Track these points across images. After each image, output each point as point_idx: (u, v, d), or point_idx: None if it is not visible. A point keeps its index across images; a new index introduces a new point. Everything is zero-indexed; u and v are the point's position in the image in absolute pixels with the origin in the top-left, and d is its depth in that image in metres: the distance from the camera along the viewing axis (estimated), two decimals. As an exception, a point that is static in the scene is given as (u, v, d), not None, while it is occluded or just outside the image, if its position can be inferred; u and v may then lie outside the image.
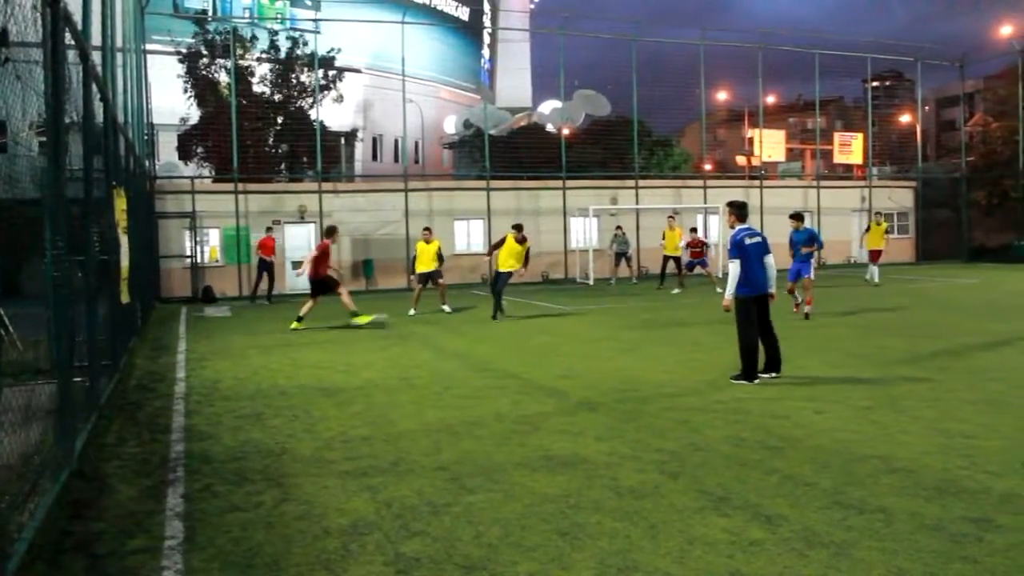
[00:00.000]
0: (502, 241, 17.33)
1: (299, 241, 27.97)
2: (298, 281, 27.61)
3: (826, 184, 36.93)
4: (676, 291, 23.30)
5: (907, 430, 7.11)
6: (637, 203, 31.35)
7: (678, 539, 4.75)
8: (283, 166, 31.94)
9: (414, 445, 7.02)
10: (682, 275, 24.05)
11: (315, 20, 33.68)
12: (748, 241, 9.54)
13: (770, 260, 9.57)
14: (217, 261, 26.94)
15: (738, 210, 10.02)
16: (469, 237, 30.23)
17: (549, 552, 4.61)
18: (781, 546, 4.61)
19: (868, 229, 25.50)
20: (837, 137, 40.34)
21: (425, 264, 19.00)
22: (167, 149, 32.47)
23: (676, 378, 10.00)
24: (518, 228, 17.33)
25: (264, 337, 15.43)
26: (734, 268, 9.59)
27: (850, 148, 38.88)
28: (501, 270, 17.37)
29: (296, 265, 27.74)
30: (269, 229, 24.85)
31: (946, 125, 66.73)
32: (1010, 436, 6.85)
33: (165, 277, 25.69)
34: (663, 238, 24.79)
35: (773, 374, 9.63)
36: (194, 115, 30.51)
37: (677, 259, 24.20)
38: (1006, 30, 39.25)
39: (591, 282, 27.92)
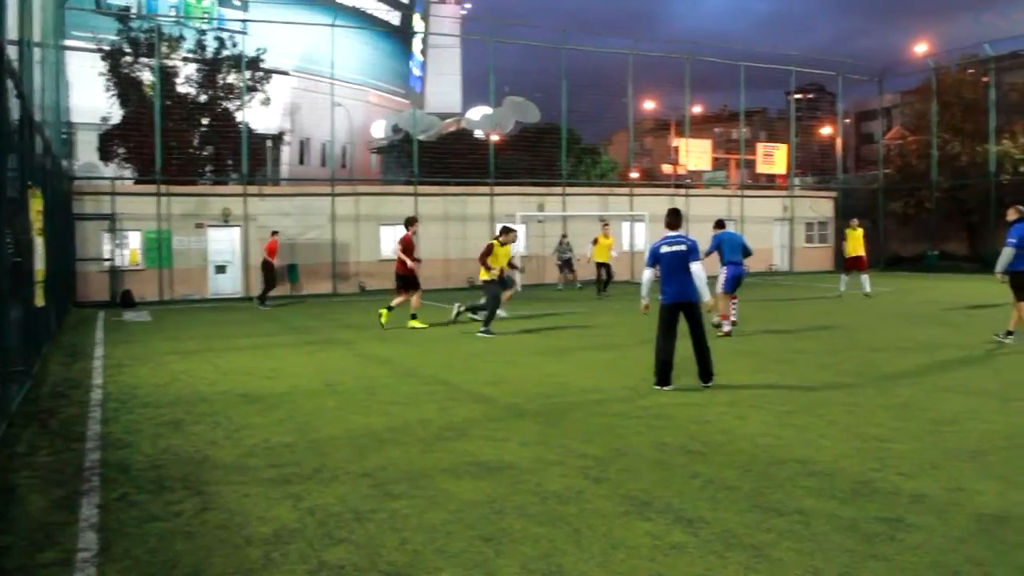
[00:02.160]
0: (490, 248, 15.96)
1: (223, 245, 27.49)
2: (220, 284, 27.22)
3: (750, 193, 37.75)
4: (599, 296, 23.70)
5: (825, 434, 7.30)
6: (564, 210, 31.60)
7: (602, 543, 4.80)
8: (208, 168, 31.35)
9: (338, 452, 6.96)
10: (603, 281, 24.49)
11: (243, 21, 33.22)
12: (664, 249, 9.61)
13: (695, 268, 9.45)
14: (138, 264, 26.30)
15: (667, 217, 10.06)
16: (396, 243, 30.04)
17: (473, 558, 4.61)
18: (702, 548, 4.69)
19: (845, 237, 23.10)
20: (761, 148, 41.23)
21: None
22: (87, 149, 31.60)
23: (602, 384, 10.09)
24: (506, 231, 16.31)
25: (186, 342, 15.12)
26: (645, 274, 9.87)
27: (773, 158, 39.77)
28: (492, 279, 15.95)
29: (220, 269, 27.31)
30: (275, 233, 24.33)
31: (865, 138, 68.71)
32: (921, 439, 7.08)
33: (82, 281, 24.98)
34: (594, 244, 25.07)
35: (702, 383, 9.63)
36: (116, 115, 29.74)
37: (607, 266, 24.53)
38: (921, 48, 40.65)
39: (519, 288, 28.00)
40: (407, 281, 16.82)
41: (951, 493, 5.61)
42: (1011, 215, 12.93)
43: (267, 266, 23.65)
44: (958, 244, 37.69)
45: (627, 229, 33.73)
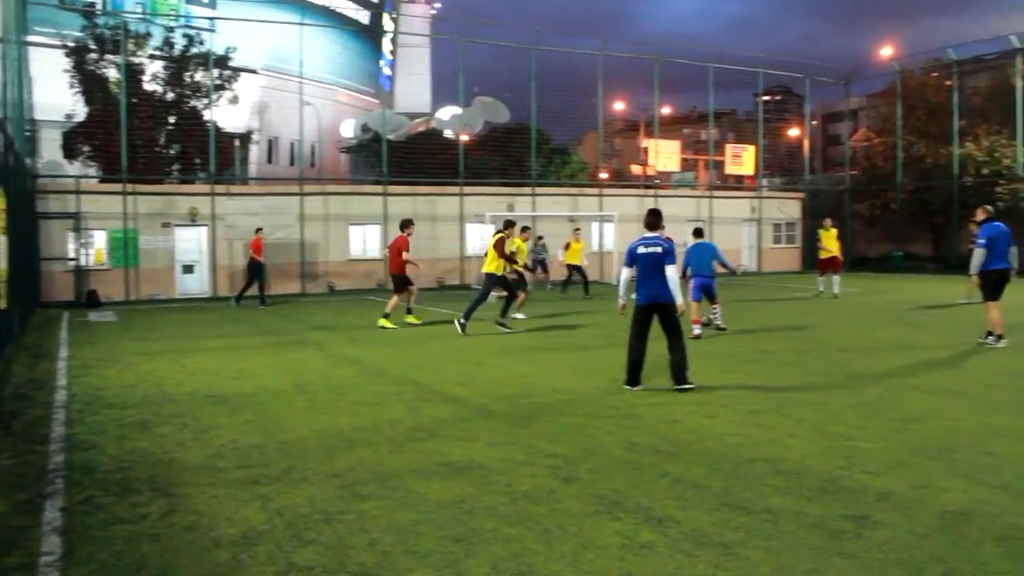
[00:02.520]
0: (502, 241, 16.03)
1: (190, 244, 27.25)
2: (188, 284, 26.98)
3: (718, 194, 38.04)
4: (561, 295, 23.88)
5: (792, 433, 7.36)
6: (534, 210, 31.63)
7: (572, 543, 4.80)
8: (175, 167, 31.03)
9: (307, 452, 6.92)
10: (572, 282, 24.66)
11: (211, 18, 32.86)
12: (641, 250, 9.55)
13: (670, 271, 9.37)
14: (103, 264, 26.00)
15: (646, 217, 9.98)
16: (365, 243, 29.98)
17: (444, 558, 4.60)
18: (671, 547, 4.71)
19: (818, 238, 22.74)
20: (729, 149, 41.56)
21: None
22: (51, 147, 31.17)
23: (571, 384, 10.11)
24: (523, 229, 16.35)
25: (152, 343, 14.96)
26: (623, 273, 9.88)
27: (742, 160, 40.10)
28: (496, 272, 16.05)
29: (187, 269, 27.06)
30: (259, 230, 23.94)
31: (832, 139, 69.42)
32: (887, 437, 7.16)
33: (46, 280, 24.65)
34: (566, 248, 25.13)
35: (675, 386, 9.48)
36: (81, 112, 29.35)
37: (579, 268, 24.62)
38: (887, 51, 41.16)
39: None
40: (403, 280, 17.12)
41: (916, 491, 5.68)
42: (979, 215, 13.02)
43: (254, 265, 23.16)
44: (923, 245, 38.21)
45: (596, 229, 33.84)
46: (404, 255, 16.90)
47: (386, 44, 62.45)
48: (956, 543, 4.72)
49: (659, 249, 9.48)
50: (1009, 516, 5.15)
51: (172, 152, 30.83)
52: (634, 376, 9.63)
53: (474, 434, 7.51)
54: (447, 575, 4.39)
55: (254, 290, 23.06)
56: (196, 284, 27.42)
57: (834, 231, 22.16)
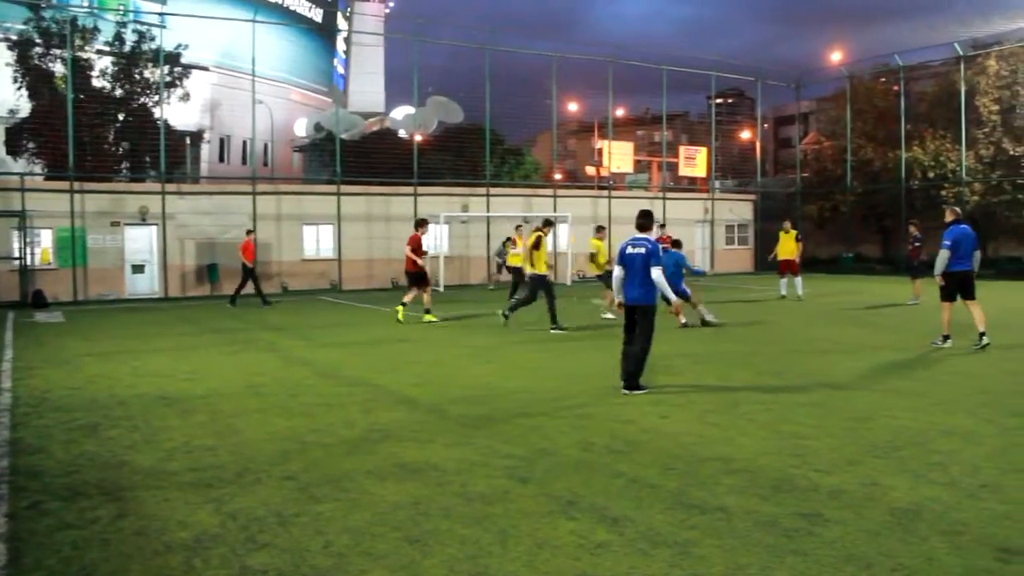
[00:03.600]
0: (538, 241, 15.87)
1: (140, 244, 26.84)
2: (138, 284, 26.56)
3: (672, 196, 38.37)
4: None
5: (745, 432, 7.45)
6: (488, 211, 31.63)
7: (527, 543, 4.81)
8: (124, 165, 30.52)
9: (260, 454, 6.85)
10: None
11: (161, 14, 32.38)
12: (629, 251, 9.55)
13: (655, 273, 9.32)
14: (50, 264, 25.49)
15: (637, 218, 9.97)
16: (319, 242, 29.76)
17: (399, 559, 4.58)
18: (627, 547, 4.74)
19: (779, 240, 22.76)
20: (683, 151, 41.96)
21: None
22: (-8, 144, 30.53)
23: (527, 384, 10.13)
24: (549, 223, 16.42)
25: (101, 344, 14.70)
26: (614, 272, 9.82)
27: (695, 161, 40.50)
28: (541, 272, 15.94)
29: (137, 268, 26.65)
30: (249, 232, 23.53)
31: (783, 142, 70.28)
32: (837, 436, 7.27)
33: (-10, 280, 24.10)
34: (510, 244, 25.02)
35: (621, 386, 9.47)
36: (25, 108, 28.72)
37: (519, 269, 24.39)
38: (836, 56, 41.86)
39: (441, 288, 27.94)
40: (417, 278, 17.59)
41: (867, 488, 5.78)
42: (948, 216, 13.02)
43: (246, 269, 22.71)
44: (871, 247, 38.90)
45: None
46: (407, 251, 17.43)
47: (340, 43, 62.01)
48: (905, 539, 4.82)
49: (643, 250, 9.47)
50: (955, 512, 5.26)
51: (121, 150, 30.33)
52: (632, 377, 9.57)
53: (429, 435, 7.49)
54: (403, 577, 4.37)
55: (244, 291, 22.87)
56: (146, 284, 27.01)
57: (793, 233, 22.32)
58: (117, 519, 5.30)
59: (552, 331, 15.37)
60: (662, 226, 25.46)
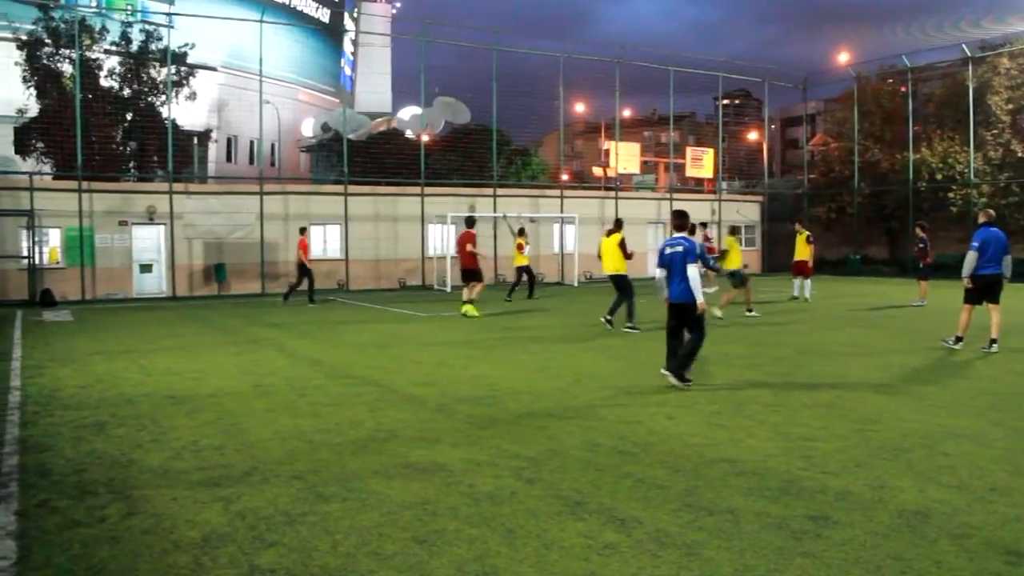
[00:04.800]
0: (623, 244, 16.02)
1: (147, 243, 26.90)
2: (145, 284, 26.62)
3: (678, 196, 38.32)
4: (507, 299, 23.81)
5: (753, 434, 7.44)
6: (495, 211, 31.63)
7: (535, 544, 4.81)
8: (132, 165, 30.60)
9: (268, 454, 6.86)
10: (519, 283, 24.50)
11: (169, 14, 32.44)
12: (667, 251, 9.81)
13: (691, 271, 9.58)
14: (58, 263, 25.57)
15: (673, 218, 10.28)
16: (325, 243, 29.79)
17: (407, 560, 4.59)
18: (635, 548, 4.74)
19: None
20: (689, 151, 41.87)
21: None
22: (2, 143, 30.60)
23: (532, 385, 10.13)
24: (618, 224, 16.58)
25: (109, 343, 14.74)
26: (656, 273, 10.07)
27: (701, 162, 40.42)
28: (614, 272, 16.00)
29: (145, 268, 26.71)
30: (303, 230, 23.57)
31: (790, 143, 70.25)
32: (845, 438, 7.26)
33: (-2, 279, 24.17)
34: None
35: (668, 373, 9.75)
36: (34, 107, 28.81)
37: (527, 269, 24.42)
38: (844, 57, 41.78)
39: (448, 289, 27.96)
40: (472, 274, 18.53)
41: (875, 490, 5.76)
42: (980, 218, 12.84)
43: (302, 267, 22.79)
44: (878, 248, 38.81)
45: (557, 231, 33.93)
46: (468, 247, 18.50)
47: (347, 43, 62.10)
48: (913, 542, 4.80)
49: (680, 249, 9.70)
50: (964, 515, 5.25)
51: (129, 149, 30.41)
52: (679, 372, 9.84)
53: (436, 435, 7.49)
54: (411, 577, 4.38)
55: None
56: (154, 283, 27.08)
57: (803, 234, 22.07)
58: (126, 517, 5.31)
59: (627, 329, 15.47)
60: (704, 225, 25.47)
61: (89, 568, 4.51)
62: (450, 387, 10.01)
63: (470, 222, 19.22)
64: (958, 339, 12.82)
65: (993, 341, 12.54)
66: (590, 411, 8.50)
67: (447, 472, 6.29)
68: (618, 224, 16.62)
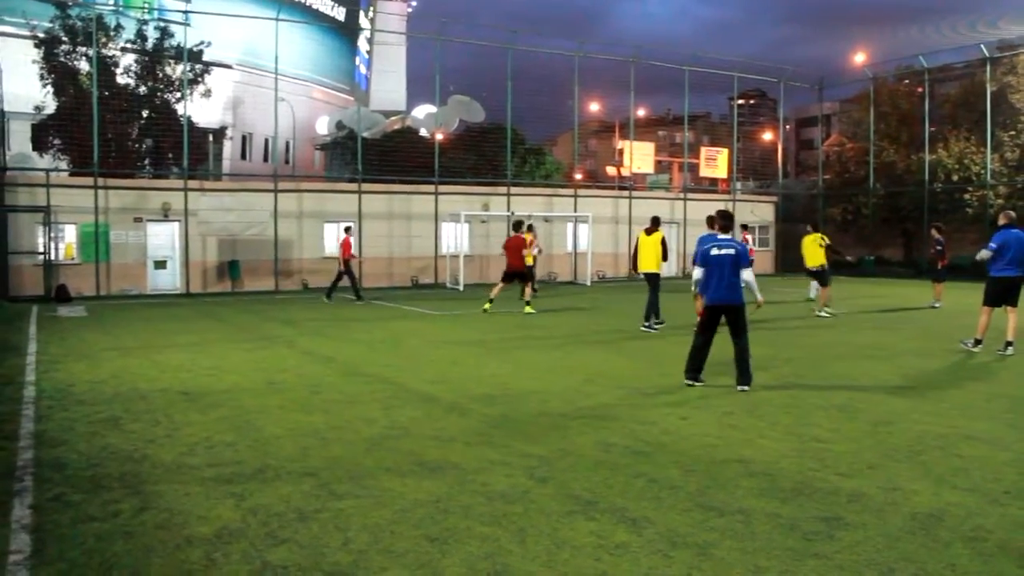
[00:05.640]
0: (660, 241, 16.16)
1: (162, 240, 27.02)
2: (160, 280, 26.74)
3: (692, 196, 38.19)
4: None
5: (765, 435, 7.42)
6: (509, 210, 31.63)
7: (546, 543, 4.81)
8: (147, 162, 30.73)
9: (281, 450, 6.88)
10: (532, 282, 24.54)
11: (185, 12, 32.56)
12: (714, 252, 9.63)
13: (747, 274, 9.62)
14: (73, 259, 25.71)
15: (718, 219, 10.17)
16: (339, 240, 29.80)
17: (419, 557, 4.59)
18: (646, 548, 4.73)
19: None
20: (704, 151, 41.73)
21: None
22: (20, 139, 30.77)
23: (545, 384, 10.12)
24: (656, 222, 16.52)
25: (123, 339, 14.81)
26: (695, 273, 9.92)
27: (716, 162, 40.28)
28: (653, 270, 16.11)
29: (159, 264, 26.83)
30: (347, 229, 23.80)
31: (805, 144, 69.96)
32: (857, 439, 7.23)
33: (14, 274, 24.31)
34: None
35: (739, 387, 9.61)
36: (51, 104, 28.97)
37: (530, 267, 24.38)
38: (860, 58, 41.56)
39: (461, 287, 27.98)
40: (522, 275, 19.27)
41: (887, 492, 5.74)
42: (1001, 220, 12.74)
43: (346, 265, 22.86)
44: (894, 250, 38.61)
45: (571, 230, 33.89)
46: (524, 251, 19.25)
47: (362, 42, 62.20)
48: (926, 545, 4.78)
49: (733, 251, 9.61)
50: (978, 518, 5.22)
51: (145, 146, 30.54)
52: (691, 370, 9.83)
53: (449, 433, 7.50)
54: (422, 574, 4.38)
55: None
56: (168, 280, 27.20)
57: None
58: (139, 512, 5.33)
59: (644, 328, 15.71)
60: (744, 227, 25.36)
61: (102, 562, 4.53)
62: (463, 386, 10.01)
63: (518, 226, 19.74)
64: (977, 342, 12.75)
65: (1009, 344, 12.46)
66: (603, 410, 8.49)
67: (460, 470, 6.30)
68: (656, 222, 16.60)
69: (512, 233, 19.90)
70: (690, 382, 9.80)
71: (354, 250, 23.84)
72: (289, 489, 5.82)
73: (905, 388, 9.84)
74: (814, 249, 19.75)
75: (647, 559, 4.57)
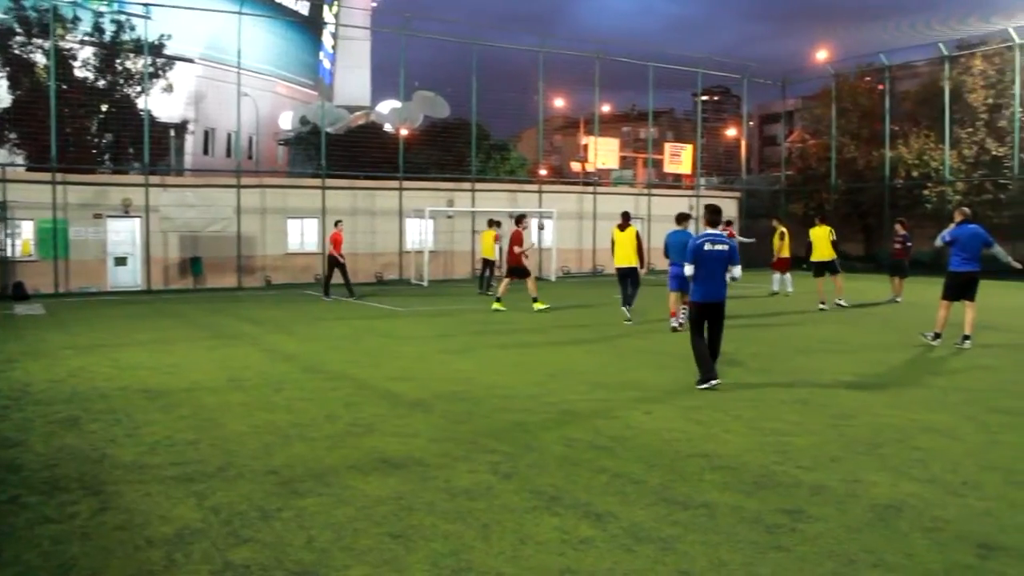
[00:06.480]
0: (635, 236, 16.35)
1: (123, 236, 26.63)
2: (120, 277, 26.38)
3: (657, 192, 38.35)
4: (490, 293, 23.76)
5: (729, 429, 7.47)
6: (473, 206, 31.57)
7: (511, 539, 4.81)
8: (107, 157, 30.28)
9: (243, 448, 6.82)
10: (495, 276, 24.57)
11: (145, 4, 32.09)
12: (707, 247, 9.44)
13: (737, 271, 9.65)
14: (31, 256, 25.26)
15: (707, 214, 9.96)
16: (303, 236, 29.62)
17: (382, 555, 4.57)
18: (610, 543, 4.75)
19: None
20: (668, 147, 41.93)
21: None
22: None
23: (508, 380, 10.12)
24: (626, 217, 16.71)
25: (82, 337, 14.60)
26: (686, 270, 9.68)
27: (680, 158, 40.49)
28: (629, 265, 16.29)
29: (119, 261, 26.47)
30: (338, 223, 23.34)
31: (768, 140, 70.50)
32: (819, 433, 7.31)
33: (-31, 272, 23.85)
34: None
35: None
36: (6, 98, 28.42)
37: (493, 263, 24.46)
38: (822, 55, 41.96)
39: (425, 283, 27.90)
40: (519, 271, 18.75)
41: (848, 485, 5.81)
42: (956, 217, 12.90)
43: (333, 261, 22.59)
44: (854, 245, 39.00)
45: (535, 226, 33.88)
46: (516, 249, 18.59)
47: (326, 36, 61.72)
48: (886, 535, 4.85)
49: (726, 247, 9.52)
50: (936, 509, 5.30)
51: (104, 141, 30.09)
52: (706, 371, 9.46)
53: (413, 430, 7.48)
54: (386, 571, 4.36)
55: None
56: (129, 277, 26.81)
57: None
58: (98, 513, 5.26)
59: (626, 315, 16.18)
60: (729, 223, 25.52)
61: (60, 565, 4.46)
62: (427, 382, 9.99)
63: (518, 219, 19.29)
64: (936, 335, 12.94)
65: (967, 338, 12.67)
66: (567, 406, 8.51)
67: (423, 467, 6.28)
68: (626, 218, 16.79)
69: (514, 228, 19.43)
70: (707, 386, 9.33)
71: (327, 245, 23.51)
72: (251, 487, 5.77)
73: (865, 382, 9.96)
74: (826, 243, 19.77)
75: (611, 554, 4.58)
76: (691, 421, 7.80)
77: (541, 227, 28.63)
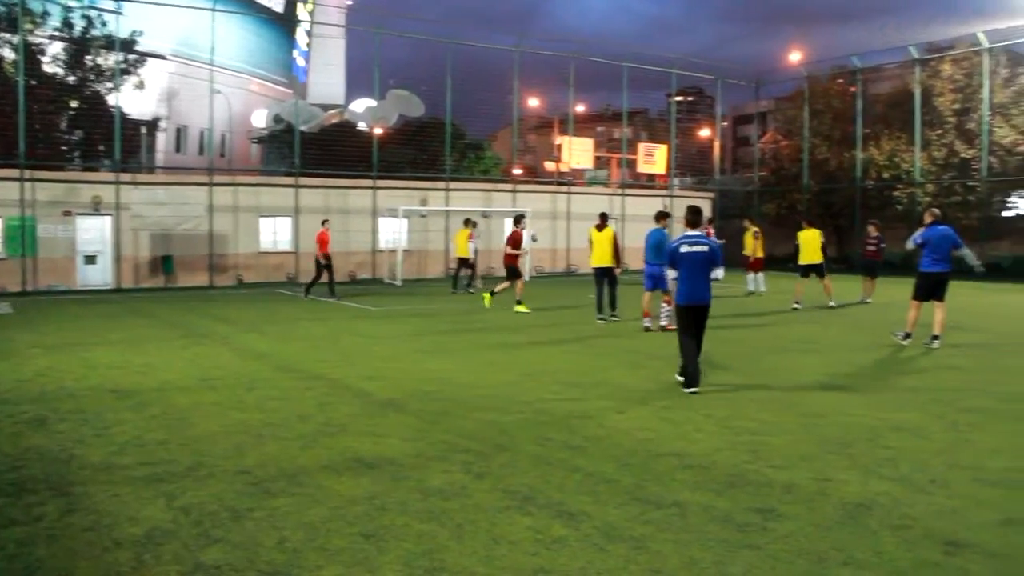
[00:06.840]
0: (612, 237, 16.38)
1: (92, 234, 26.34)
2: (90, 276, 26.09)
3: (630, 192, 38.50)
4: (471, 291, 23.78)
5: (701, 428, 7.51)
6: (447, 205, 31.52)
7: (484, 538, 4.81)
8: (77, 154, 29.92)
9: (214, 448, 6.76)
10: (475, 276, 24.85)
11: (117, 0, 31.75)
12: (684, 249, 9.37)
13: (719, 273, 9.57)
14: (-2, 253, 24.94)
15: (687, 215, 9.86)
16: (276, 235, 29.44)
17: (355, 555, 4.55)
18: (583, 542, 4.76)
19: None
20: (642, 147, 42.04)
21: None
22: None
23: (482, 379, 10.12)
24: (604, 217, 16.86)
25: (51, 336, 14.42)
26: (668, 274, 9.66)
27: (654, 158, 40.62)
28: (605, 265, 16.37)
29: (89, 259, 26.17)
30: (325, 222, 23.02)
31: (741, 141, 70.81)
32: (791, 432, 7.36)
33: (-64, 270, 23.51)
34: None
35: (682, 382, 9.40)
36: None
37: (467, 260, 24.52)
38: (795, 57, 42.28)
39: (399, 283, 27.82)
40: (513, 271, 18.69)
41: (819, 483, 5.85)
42: (927, 218, 13.08)
43: (320, 261, 22.27)
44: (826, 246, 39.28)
45: (509, 225, 33.87)
46: (511, 250, 18.60)
47: (300, 34, 61.41)
48: (856, 533, 4.89)
49: (705, 248, 9.41)
50: (904, 507, 5.35)
51: (74, 138, 29.73)
52: (689, 375, 9.33)
53: (385, 429, 7.45)
54: (358, 572, 4.35)
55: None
56: (99, 275, 26.51)
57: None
58: (65, 515, 5.20)
59: (600, 321, 16.23)
60: (711, 220, 25.66)
61: (26, 567, 4.41)
62: (400, 382, 9.96)
63: (517, 220, 19.23)
64: (907, 335, 13.09)
65: (936, 337, 12.83)
66: (540, 406, 8.52)
67: (396, 467, 6.26)
68: (604, 218, 16.91)
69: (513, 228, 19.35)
70: (695, 389, 9.19)
71: (315, 246, 23.25)
72: (222, 487, 5.73)
73: (837, 381, 10.05)
74: (815, 247, 19.87)
75: (584, 553, 4.59)
76: (663, 420, 7.83)
77: (534, 239, 28.60)
